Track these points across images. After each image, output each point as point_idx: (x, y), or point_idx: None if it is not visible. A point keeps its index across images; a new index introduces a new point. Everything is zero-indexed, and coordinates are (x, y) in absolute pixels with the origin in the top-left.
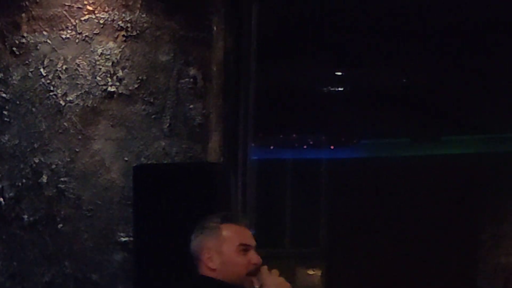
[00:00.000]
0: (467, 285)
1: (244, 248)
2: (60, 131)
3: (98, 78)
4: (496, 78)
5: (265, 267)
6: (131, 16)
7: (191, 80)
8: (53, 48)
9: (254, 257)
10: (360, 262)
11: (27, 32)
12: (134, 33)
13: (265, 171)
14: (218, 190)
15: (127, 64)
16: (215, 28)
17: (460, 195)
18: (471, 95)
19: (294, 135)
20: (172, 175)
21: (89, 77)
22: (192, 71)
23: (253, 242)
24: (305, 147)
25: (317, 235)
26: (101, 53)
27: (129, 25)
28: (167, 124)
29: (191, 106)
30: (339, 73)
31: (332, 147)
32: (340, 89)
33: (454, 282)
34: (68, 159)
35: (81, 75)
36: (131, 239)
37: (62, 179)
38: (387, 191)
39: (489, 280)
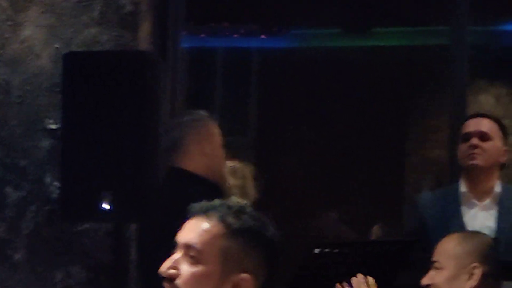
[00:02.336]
0: (395, 179)
1: None
2: None
3: None
4: None
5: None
6: None
7: None
8: None
9: None
10: (288, 153)
11: None
12: None
13: (195, 59)
14: (148, 79)
15: None
16: None
17: (390, 88)
18: None
19: (225, 24)
20: (102, 63)
21: None
22: None
23: None
24: (236, 36)
25: (247, 125)
26: None
27: None
28: (98, 12)
29: None
30: None
31: (263, 36)
32: None
33: (382, 177)
34: None
35: None
36: (60, 126)
37: None
38: (317, 82)
39: (417, 173)
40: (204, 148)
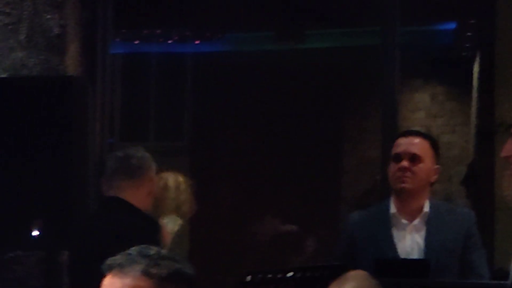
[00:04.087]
0: (331, 180)
1: None
2: None
3: None
4: None
5: None
6: None
7: None
8: None
9: None
10: (223, 157)
11: None
12: None
13: (129, 66)
14: (75, 104)
15: None
16: None
17: (324, 89)
18: None
19: (158, 30)
20: (28, 89)
21: None
22: None
23: None
24: (170, 41)
25: (182, 130)
26: None
27: None
28: (24, 35)
29: (49, 16)
30: None
31: (197, 42)
32: None
33: (318, 178)
34: None
35: None
36: None
37: None
38: (252, 85)
39: (354, 174)
40: (139, 182)
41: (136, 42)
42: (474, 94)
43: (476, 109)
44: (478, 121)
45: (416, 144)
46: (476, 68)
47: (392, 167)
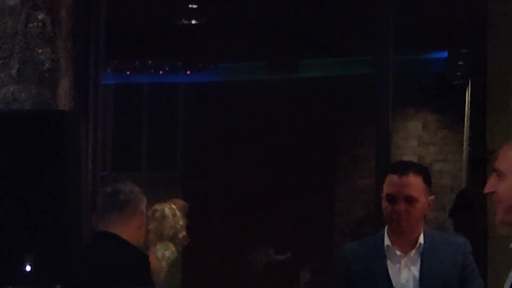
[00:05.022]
0: (325, 209)
1: None
2: None
3: None
4: (348, 1)
5: None
6: None
7: (40, 24)
8: None
9: None
10: (217, 186)
11: None
12: None
13: (121, 96)
14: (67, 138)
15: None
16: None
17: (317, 119)
18: (324, 19)
19: (149, 61)
20: (20, 123)
21: None
22: (41, 15)
23: None
24: (161, 72)
25: (174, 160)
26: None
27: None
28: (16, 69)
29: (40, 50)
30: (193, 6)
31: (188, 72)
32: (194, 22)
33: (312, 207)
34: None
35: None
36: None
37: None
38: (245, 115)
39: (347, 203)
40: (128, 216)
41: (128, 72)
42: (466, 122)
43: (468, 137)
44: (470, 149)
45: (410, 185)
46: (468, 97)
47: (387, 207)
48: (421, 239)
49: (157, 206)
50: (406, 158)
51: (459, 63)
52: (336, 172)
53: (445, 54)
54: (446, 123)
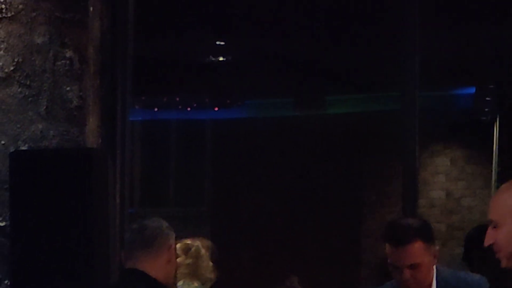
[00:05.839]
0: (352, 244)
1: None
2: None
3: None
4: (375, 38)
5: None
6: None
7: (68, 62)
8: None
9: None
10: (244, 221)
11: None
12: (9, 15)
13: (149, 132)
14: (95, 176)
15: (2, 46)
16: (91, 9)
17: (345, 154)
18: (351, 55)
19: (177, 98)
20: (48, 161)
21: None
22: (69, 53)
23: None
24: (189, 109)
25: (202, 195)
26: None
27: (3, 6)
28: (44, 107)
29: (68, 88)
30: (220, 43)
31: (216, 109)
32: (222, 58)
33: (339, 242)
34: None
35: None
36: (8, 223)
37: None
38: (272, 151)
39: (375, 238)
40: (156, 252)
41: (156, 109)
42: (494, 157)
43: (497, 172)
44: (499, 184)
45: (411, 254)
46: (495, 132)
47: (392, 271)
48: (434, 286)
49: (190, 241)
50: (434, 193)
51: (487, 98)
52: (363, 207)
53: (472, 90)
54: (474, 158)
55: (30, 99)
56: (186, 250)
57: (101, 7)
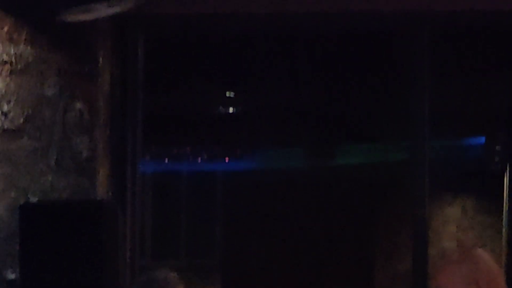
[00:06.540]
0: None
1: None
2: None
3: None
4: (385, 88)
5: None
6: (16, 50)
7: (78, 113)
8: None
9: None
10: (256, 273)
11: None
12: (19, 67)
13: (159, 184)
14: (105, 228)
15: (12, 98)
16: (100, 61)
17: (355, 205)
18: (360, 106)
19: (188, 149)
20: (58, 213)
21: None
22: (79, 105)
23: None
24: (199, 160)
25: (213, 247)
26: None
27: (14, 58)
28: (54, 159)
29: (78, 140)
30: (230, 95)
31: (226, 159)
32: (232, 110)
33: None
34: None
35: None
36: (18, 276)
37: None
38: (283, 202)
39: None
40: None
41: (166, 160)
42: (505, 207)
43: (507, 222)
44: (510, 234)
45: None
46: (505, 181)
47: None
48: None
49: None
50: (445, 243)
51: (497, 148)
52: (374, 257)
53: (482, 140)
54: (485, 208)
55: (40, 151)
56: None
57: (111, 59)
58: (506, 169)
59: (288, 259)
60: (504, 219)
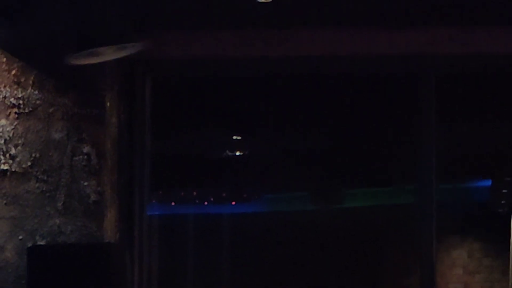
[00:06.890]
0: None
1: None
2: None
3: None
4: (390, 132)
5: None
6: (23, 93)
7: (85, 157)
8: None
9: None
10: None
11: None
12: (27, 110)
13: (167, 226)
14: (112, 271)
15: (20, 141)
16: (108, 105)
17: (362, 248)
18: (367, 150)
19: (194, 192)
20: (66, 256)
21: None
22: (86, 148)
23: None
24: (206, 203)
25: None
26: None
27: (21, 102)
28: (62, 202)
29: (86, 183)
30: (237, 138)
31: (233, 203)
32: (239, 153)
33: None
34: None
35: None
36: None
37: None
38: (290, 245)
39: None
40: None
41: (173, 203)
42: (511, 249)
43: None
44: None
45: None
46: None
47: None
48: None
49: None
50: (451, 286)
51: (503, 191)
52: None
53: (488, 183)
54: (491, 251)
55: (47, 194)
56: None
57: (118, 102)
58: None
59: None
60: (510, 262)
